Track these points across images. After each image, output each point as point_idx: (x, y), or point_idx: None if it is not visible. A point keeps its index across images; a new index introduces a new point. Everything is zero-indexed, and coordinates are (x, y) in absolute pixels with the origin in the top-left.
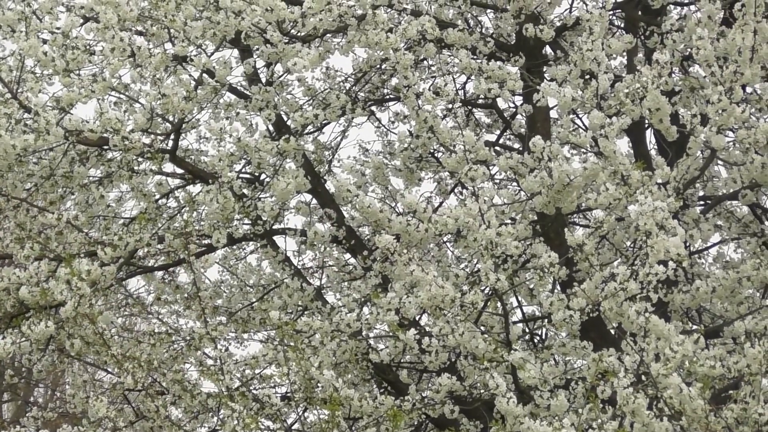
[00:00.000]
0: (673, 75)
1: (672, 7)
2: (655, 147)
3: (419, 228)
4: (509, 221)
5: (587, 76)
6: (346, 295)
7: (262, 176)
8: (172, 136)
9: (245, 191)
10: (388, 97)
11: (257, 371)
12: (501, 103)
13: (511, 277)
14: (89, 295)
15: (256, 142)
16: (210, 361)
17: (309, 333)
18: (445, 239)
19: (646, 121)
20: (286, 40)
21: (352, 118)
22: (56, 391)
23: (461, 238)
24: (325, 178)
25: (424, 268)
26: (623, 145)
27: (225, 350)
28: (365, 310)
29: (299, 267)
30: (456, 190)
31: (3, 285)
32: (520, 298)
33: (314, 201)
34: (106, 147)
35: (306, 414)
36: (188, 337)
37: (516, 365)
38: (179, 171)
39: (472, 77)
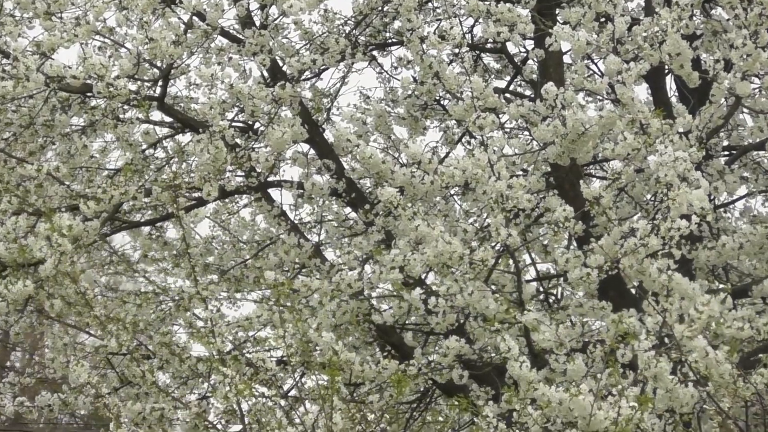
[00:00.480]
0: (694, 18)
1: None
2: (676, 94)
3: (424, 180)
4: (521, 173)
5: (603, 19)
6: (346, 252)
7: (257, 125)
8: (160, 83)
9: (238, 141)
10: (390, 41)
11: (251, 333)
12: (511, 48)
13: (523, 232)
14: (71, 252)
15: (250, 88)
16: (200, 323)
17: (307, 293)
18: (452, 192)
19: (666, 67)
20: None
21: (352, 63)
22: (34, 355)
23: (469, 191)
24: (323, 127)
25: (430, 223)
26: (642, 92)
27: (216, 311)
28: (367, 268)
29: (296, 222)
30: (463, 140)
31: None
32: (533, 255)
33: (312, 151)
34: (89, 94)
35: (303, 379)
36: (177, 297)
37: (529, 327)
38: (168, 119)
39: (480, 20)
